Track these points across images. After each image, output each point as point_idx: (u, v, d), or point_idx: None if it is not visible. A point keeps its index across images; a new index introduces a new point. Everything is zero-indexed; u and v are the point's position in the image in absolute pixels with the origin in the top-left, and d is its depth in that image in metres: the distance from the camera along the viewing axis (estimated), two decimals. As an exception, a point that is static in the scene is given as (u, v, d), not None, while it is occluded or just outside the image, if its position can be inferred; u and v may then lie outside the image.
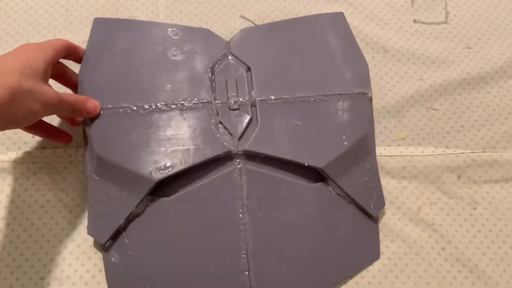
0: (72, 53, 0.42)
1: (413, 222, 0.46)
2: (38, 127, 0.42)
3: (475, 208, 0.47)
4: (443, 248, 0.45)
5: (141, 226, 0.41)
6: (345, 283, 0.43)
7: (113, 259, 0.41)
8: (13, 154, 0.46)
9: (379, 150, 0.49)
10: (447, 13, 0.57)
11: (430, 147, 0.50)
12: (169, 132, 0.41)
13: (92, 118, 0.42)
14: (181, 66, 0.44)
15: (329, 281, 0.42)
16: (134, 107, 0.42)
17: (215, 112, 0.43)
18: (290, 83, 0.45)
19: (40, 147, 0.47)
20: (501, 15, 0.57)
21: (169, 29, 0.46)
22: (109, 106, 0.42)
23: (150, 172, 0.40)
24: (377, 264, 0.44)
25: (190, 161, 0.41)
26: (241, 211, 0.41)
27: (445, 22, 0.56)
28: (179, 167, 0.40)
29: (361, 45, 0.54)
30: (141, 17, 0.54)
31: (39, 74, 0.35)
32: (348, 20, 0.55)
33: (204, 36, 0.47)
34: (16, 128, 0.36)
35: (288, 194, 0.42)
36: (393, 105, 0.51)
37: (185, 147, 0.41)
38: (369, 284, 0.43)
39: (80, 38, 0.52)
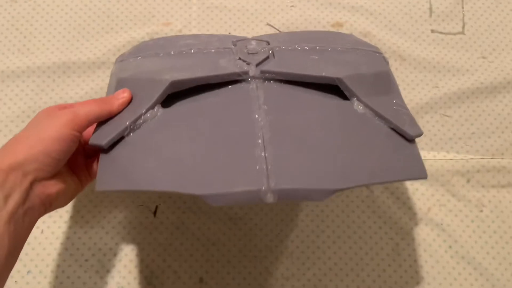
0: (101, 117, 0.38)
1: (423, 222, 0.50)
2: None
3: (481, 211, 0.50)
4: (450, 247, 0.49)
5: (149, 129, 0.38)
6: (357, 275, 0.48)
7: (110, 158, 0.37)
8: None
9: (393, 154, 0.52)
10: (464, 24, 0.60)
11: (442, 152, 0.53)
12: (189, 58, 0.41)
13: (118, 66, 0.43)
14: (207, 41, 0.45)
15: (355, 178, 0.35)
16: (161, 53, 0.43)
17: (234, 53, 0.42)
18: (309, 43, 0.44)
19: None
20: (516, 27, 0.59)
21: (193, 36, 0.48)
22: (139, 57, 0.43)
23: (165, 76, 0.39)
24: (387, 259, 0.48)
25: (206, 72, 0.40)
26: (258, 113, 0.38)
27: (462, 33, 0.59)
28: (194, 75, 0.39)
29: (380, 53, 0.57)
30: (175, 23, 0.58)
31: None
32: (368, 29, 0.59)
33: (228, 36, 0.49)
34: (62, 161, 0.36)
35: (308, 108, 0.39)
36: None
37: (203, 63, 0.41)
38: (379, 277, 0.47)
39: (120, 43, 0.56)
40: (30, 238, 0.47)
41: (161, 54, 0.43)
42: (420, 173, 0.36)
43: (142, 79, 0.40)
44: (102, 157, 0.37)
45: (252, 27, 0.59)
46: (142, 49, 0.45)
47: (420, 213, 0.50)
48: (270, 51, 0.42)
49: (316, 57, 0.42)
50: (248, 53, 0.42)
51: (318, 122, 0.38)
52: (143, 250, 0.48)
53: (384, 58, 0.45)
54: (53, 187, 0.35)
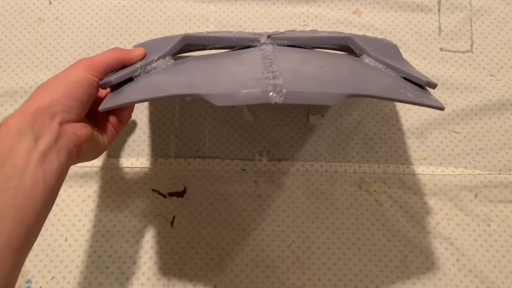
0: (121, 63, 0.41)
1: (431, 235, 0.51)
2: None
3: (489, 225, 0.52)
4: (458, 260, 0.50)
5: (158, 73, 0.39)
6: (366, 286, 0.49)
7: (118, 89, 0.38)
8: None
9: (402, 169, 0.54)
10: (472, 42, 0.61)
11: (451, 167, 0.54)
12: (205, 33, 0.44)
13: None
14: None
15: (368, 88, 0.34)
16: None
17: (248, 35, 0.44)
18: None
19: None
20: (524, 45, 0.61)
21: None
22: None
23: (181, 34, 0.41)
24: (395, 271, 0.50)
25: (220, 34, 0.42)
26: (269, 50, 0.38)
27: (470, 51, 0.61)
28: (207, 34, 0.41)
29: (390, 70, 0.59)
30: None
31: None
32: (379, 48, 0.61)
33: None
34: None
35: (319, 59, 0.39)
36: (417, 127, 0.56)
37: (219, 33, 0.44)
38: (388, 288, 0.49)
39: (140, 60, 0.60)
40: (55, 246, 0.50)
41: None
42: (437, 103, 0.35)
43: (158, 40, 0.42)
44: (110, 93, 0.39)
45: (266, 45, 0.62)
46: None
47: (428, 227, 0.52)
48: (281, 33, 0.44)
49: (325, 33, 0.44)
50: (260, 34, 0.44)
51: (329, 61, 0.37)
52: (161, 259, 0.50)
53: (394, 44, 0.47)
54: (82, 129, 0.36)
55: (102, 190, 0.53)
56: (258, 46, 0.41)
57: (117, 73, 0.40)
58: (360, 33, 0.62)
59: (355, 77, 0.35)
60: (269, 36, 0.42)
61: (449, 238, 0.51)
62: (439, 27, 0.62)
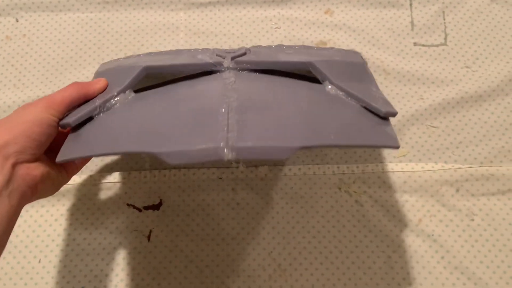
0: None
1: (414, 233, 0.50)
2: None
3: (472, 220, 0.50)
4: (442, 257, 0.49)
5: (118, 110, 0.38)
6: (345, 284, 0.48)
7: (77, 134, 0.37)
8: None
9: (381, 167, 0.53)
10: (446, 35, 0.61)
11: (430, 162, 0.53)
12: (166, 56, 0.43)
13: (97, 74, 0.45)
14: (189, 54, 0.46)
15: (320, 137, 0.33)
16: (141, 55, 0.46)
17: (210, 51, 0.44)
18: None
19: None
20: (498, 35, 0.60)
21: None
22: (119, 59, 0.47)
23: (140, 63, 0.40)
24: (379, 273, 0.48)
25: (181, 60, 0.41)
26: (228, 92, 0.37)
27: (444, 44, 0.60)
28: (168, 62, 0.40)
29: (364, 68, 0.59)
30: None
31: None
32: (351, 46, 0.60)
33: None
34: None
35: (279, 90, 0.39)
36: (395, 124, 0.55)
37: (178, 58, 0.42)
38: (373, 291, 0.48)
39: (110, 73, 0.59)
40: (28, 268, 0.49)
41: (141, 55, 0.45)
42: (392, 142, 0.34)
43: (120, 67, 0.41)
44: (70, 135, 0.37)
45: (238, 50, 0.61)
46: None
47: (410, 225, 0.50)
48: (247, 49, 0.43)
49: (291, 52, 0.43)
50: (226, 52, 0.43)
51: (287, 97, 0.37)
52: (138, 275, 0.49)
53: (361, 56, 0.46)
54: (37, 169, 0.35)
55: (75, 208, 0.51)
56: (221, 71, 0.41)
57: (77, 111, 0.38)
58: (332, 33, 0.61)
59: (311, 120, 0.35)
60: (233, 58, 0.41)
61: (432, 235, 0.50)
62: (412, 22, 0.62)
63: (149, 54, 0.49)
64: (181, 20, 0.62)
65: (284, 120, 0.35)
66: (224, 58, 0.41)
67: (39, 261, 0.49)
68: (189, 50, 0.48)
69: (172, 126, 0.35)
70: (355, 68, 0.42)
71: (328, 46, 0.61)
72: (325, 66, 0.39)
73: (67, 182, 0.41)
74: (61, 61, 0.59)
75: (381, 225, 0.50)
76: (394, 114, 0.36)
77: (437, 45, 0.60)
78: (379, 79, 0.58)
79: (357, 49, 0.60)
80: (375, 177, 0.53)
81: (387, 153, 0.54)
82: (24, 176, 0.34)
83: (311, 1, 0.63)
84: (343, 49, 0.47)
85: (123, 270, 0.49)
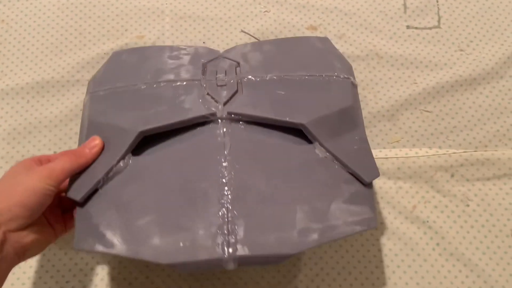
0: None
1: (408, 220, 0.49)
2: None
3: (468, 205, 0.49)
4: (438, 244, 0.48)
5: (120, 182, 0.40)
6: (344, 279, 0.46)
7: (86, 214, 0.39)
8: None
9: (375, 153, 0.51)
10: (439, 18, 0.59)
11: (424, 148, 0.52)
12: (159, 98, 0.43)
13: (91, 97, 0.45)
14: (177, 66, 0.47)
15: (308, 241, 0.38)
16: (129, 85, 0.45)
17: (203, 86, 0.44)
18: (277, 69, 0.46)
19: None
20: (492, 17, 0.59)
21: (171, 47, 0.49)
22: (107, 87, 0.45)
23: (136, 126, 0.41)
24: (374, 261, 0.47)
25: (175, 118, 0.42)
26: (224, 164, 0.40)
27: (438, 27, 0.59)
28: (162, 122, 0.41)
29: (355, 52, 0.57)
30: (149, 36, 0.58)
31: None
32: (342, 30, 0.58)
33: (200, 48, 0.49)
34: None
35: (271, 153, 0.42)
36: (388, 109, 0.54)
37: (172, 108, 0.43)
38: (367, 280, 0.46)
39: (93, 59, 0.56)
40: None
41: (132, 88, 0.45)
42: (368, 224, 0.38)
43: (114, 126, 0.42)
44: (78, 211, 0.39)
45: (226, 35, 0.59)
46: (114, 73, 0.47)
47: (405, 212, 0.49)
48: (238, 81, 0.44)
49: (283, 93, 0.44)
50: (217, 85, 0.44)
51: (280, 172, 0.40)
52: (125, 268, 0.47)
53: (352, 83, 0.46)
54: (27, 237, 0.36)
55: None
56: (216, 121, 0.43)
57: (80, 185, 0.39)
58: (323, 16, 0.59)
59: (302, 215, 0.38)
60: (225, 103, 0.43)
61: (427, 221, 0.49)
62: (404, 4, 0.60)
63: (140, 59, 0.48)
64: (166, 3, 0.60)
65: (278, 214, 0.38)
66: (217, 103, 0.43)
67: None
68: (181, 53, 0.48)
69: (174, 220, 0.38)
70: (345, 116, 0.43)
71: (318, 31, 0.59)
72: (316, 126, 0.42)
73: (54, 241, 0.40)
74: (41, 47, 0.57)
75: (375, 212, 0.49)
76: (376, 177, 0.40)
77: (430, 28, 0.59)
78: (371, 63, 0.57)
79: (348, 34, 0.58)
80: (369, 163, 0.51)
81: (381, 139, 0.53)
82: (14, 245, 0.35)
83: (301, -17, 0.61)
84: (335, 69, 0.46)
85: (109, 263, 0.47)
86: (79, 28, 0.58)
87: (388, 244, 0.48)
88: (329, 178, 0.40)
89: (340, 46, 0.57)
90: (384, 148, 0.52)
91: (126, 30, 0.58)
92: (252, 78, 0.45)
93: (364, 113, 0.54)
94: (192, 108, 0.43)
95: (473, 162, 0.51)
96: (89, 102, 0.45)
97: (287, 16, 0.60)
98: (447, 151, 0.51)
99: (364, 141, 0.43)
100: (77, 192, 0.39)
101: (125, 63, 0.48)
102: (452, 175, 0.51)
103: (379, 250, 0.48)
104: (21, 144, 0.52)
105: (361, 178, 0.40)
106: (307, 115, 0.42)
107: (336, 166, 0.41)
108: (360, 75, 0.56)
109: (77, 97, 0.54)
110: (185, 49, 0.49)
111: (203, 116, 0.42)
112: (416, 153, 0.51)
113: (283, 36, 0.59)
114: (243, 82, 0.45)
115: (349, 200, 0.39)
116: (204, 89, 0.44)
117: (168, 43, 0.58)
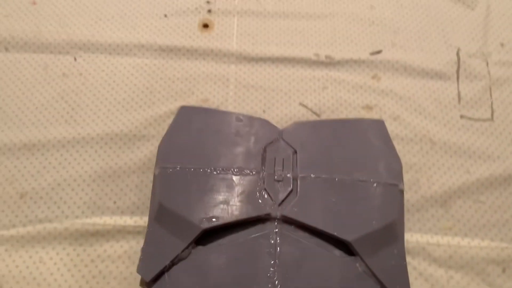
0: None
1: (459, 312, 0.48)
2: None
3: (521, 304, 0.48)
4: None
5: (183, 269, 0.45)
6: None
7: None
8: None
9: (426, 239, 0.52)
10: (492, 111, 0.61)
11: (476, 238, 0.52)
12: (221, 191, 0.49)
13: (161, 173, 0.50)
14: (240, 144, 0.52)
15: None
16: (198, 169, 0.50)
17: (261, 180, 0.50)
18: (330, 167, 0.51)
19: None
20: (545, 115, 0.61)
21: (234, 116, 0.55)
22: (178, 167, 0.50)
23: (200, 221, 0.46)
24: None
25: (234, 216, 0.47)
26: (272, 269, 0.45)
27: (491, 119, 0.61)
28: (224, 221, 0.47)
29: (409, 135, 0.59)
30: (213, 100, 0.62)
31: None
32: (397, 112, 0.61)
33: (262, 123, 0.55)
34: None
35: (316, 262, 0.46)
36: (441, 195, 0.55)
37: (232, 204, 0.48)
38: None
39: (160, 117, 0.60)
40: None
41: (197, 172, 0.50)
42: None
43: (181, 217, 0.47)
44: None
45: (285, 106, 0.62)
46: (181, 143, 0.52)
47: (456, 303, 0.49)
48: (295, 181, 0.50)
49: (334, 200, 0.49)
50: (275, 180, 0.50)
51: (320, 283, 0.45)
52: None
53: (399, 191, 0.50)
54: None
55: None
56: (271, 220, 0.48)
57: (150, 268, 0.45)
58: (379, 98, 0.62)
59: None
60: (282, 217, 0.48)
61: (479, 316, 0.48)
62: (459, 95, 0.63)
63: (207, 127, 0.54)
64: (231, 72, 0.64)
65: None
66: (273, 201, 0.48)
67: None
68: (242, 130, 0.54)
69: None
70: (387, 231, 0.48)
71: (374, 111, 0.61)
72: (360, 243, 0.46)
73: None
74: (113, 101, 0.61)
75: (425, 300, 0.49)
76: None
77: (483, 120, 0.61)
78: (425, 148, 0.58)
79: (403, 117, 0.60)
80: (420, 248, 0.51)
81: (432, 224, 0.53)
82: None
83: (359, 65, 0.65)
84: (383, 184, 0.50)
85: None
86: (150, 87, 0.62)
87: (437, 335, 0.47)
88: None
89: (394, 128, 0.60)
90: (436, 234, 0.53)
91: (192, 93, 0.62)
92: (306, 176, 0.50)
93: (417, 196, 0.55)
94: (251, 205, 0.48)
95: (526, 259, 0.50)
96: (158, 177, 0.50)
97: (344, 95, 0.63)
98: (499, 244, 0.51)
99: (402, 257, 0.47)
100: (147, 273, 0.44)
101: (191, 130, 0.53)
102: (504, 270, 0.50)
103: None
104: (84, 191, 0.54)
105: None
106: (354, 231, 0.46)
107: (372, 281, 0.45)
108: (414, 158, 0.58)
109: (141, 151, 0.57)
110: (248, 120, 0.53)
111: (259, 216, 0.47)
112: (468, 243, 0.52)
113: (339, 113, 0.61)
114: (299, 179, 0.50)
115: None
116: (263, 183, 0.49)
117: (230, 108, 0.61)
